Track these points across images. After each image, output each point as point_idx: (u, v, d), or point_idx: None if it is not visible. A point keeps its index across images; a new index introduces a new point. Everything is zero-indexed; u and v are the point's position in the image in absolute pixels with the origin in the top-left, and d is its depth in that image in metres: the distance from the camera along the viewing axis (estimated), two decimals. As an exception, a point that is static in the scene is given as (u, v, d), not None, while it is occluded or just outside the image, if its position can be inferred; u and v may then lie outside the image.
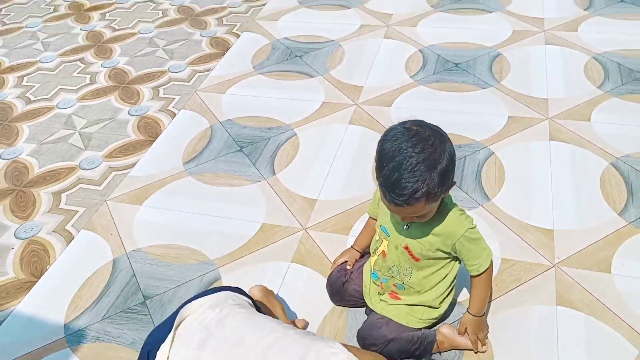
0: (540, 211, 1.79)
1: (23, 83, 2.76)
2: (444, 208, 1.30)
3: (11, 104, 2.60)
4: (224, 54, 2.87)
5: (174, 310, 1.24)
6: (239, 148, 2.20)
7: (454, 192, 1.83)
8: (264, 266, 1.70)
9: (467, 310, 1.39)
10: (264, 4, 3.38)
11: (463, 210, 1.33)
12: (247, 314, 1.20)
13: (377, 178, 1.19)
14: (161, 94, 2.59)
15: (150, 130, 2.31)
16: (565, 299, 1.52)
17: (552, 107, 2.24)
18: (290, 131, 2.26)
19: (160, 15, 3.39)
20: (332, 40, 2.88)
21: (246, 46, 2.92)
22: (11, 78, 2.81)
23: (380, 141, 1.19)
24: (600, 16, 2.88)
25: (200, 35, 3.10)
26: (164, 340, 1.15)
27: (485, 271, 1.33)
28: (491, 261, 1.34)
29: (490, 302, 1.52)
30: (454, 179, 1.22)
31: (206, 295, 1.24)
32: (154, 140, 2.28)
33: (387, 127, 1.22)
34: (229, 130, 2.31)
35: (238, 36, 3.04)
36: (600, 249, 1.65)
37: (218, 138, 2.27)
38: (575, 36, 2.71)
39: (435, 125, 1.20)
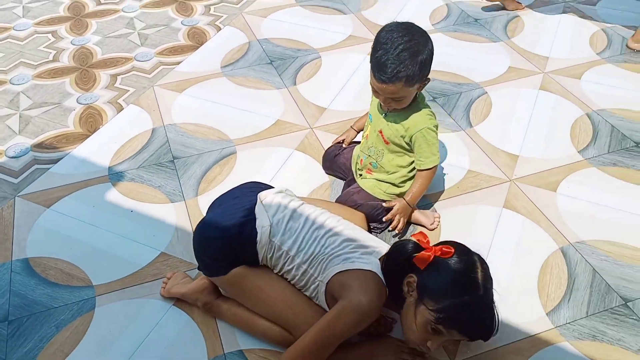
0: (512, 141, 2.08)
1: None
2: (417, 105, 1.61)
3: None
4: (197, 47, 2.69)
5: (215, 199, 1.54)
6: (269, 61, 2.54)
7: (441, 117, 2.16)
8: (272, 150, 2.06)
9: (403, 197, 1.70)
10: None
11: (432, 114, 1.63)
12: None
13: (370, 60, 1.50)
14: (117, 83, 2.46)
15: (91, 123, 2.22)
16: (511, 204, 1.82)
17: (551, 64, 2.50)
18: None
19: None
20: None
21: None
22: None
23: (378, 31, 1.50)
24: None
25: (181, 23, 2.90)
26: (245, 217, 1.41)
27: (426, 170, 1.63)
28: (435, 166, 1.63)
29: (441, 199, 1.85)
30: (429, 77, 1.53)
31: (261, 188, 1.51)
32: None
33: None
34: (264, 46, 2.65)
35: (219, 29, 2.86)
36: (553, 174, 1.94)
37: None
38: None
39: (423, 29, 1.50)
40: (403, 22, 1.50)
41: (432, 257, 1.22)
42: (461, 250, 1.24)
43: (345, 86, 2.39)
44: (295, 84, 2.41)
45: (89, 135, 2.19)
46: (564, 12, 2.90)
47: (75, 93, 2.43)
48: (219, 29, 2.82)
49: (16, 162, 2.09)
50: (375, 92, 1.56)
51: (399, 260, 1.27)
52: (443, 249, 1.22)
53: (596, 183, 1.90)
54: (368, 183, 1.74)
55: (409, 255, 1.25)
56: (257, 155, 2.04)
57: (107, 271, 1.66)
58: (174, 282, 1.57)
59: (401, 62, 1.44)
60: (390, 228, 1.70)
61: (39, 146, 2.15)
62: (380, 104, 1.64)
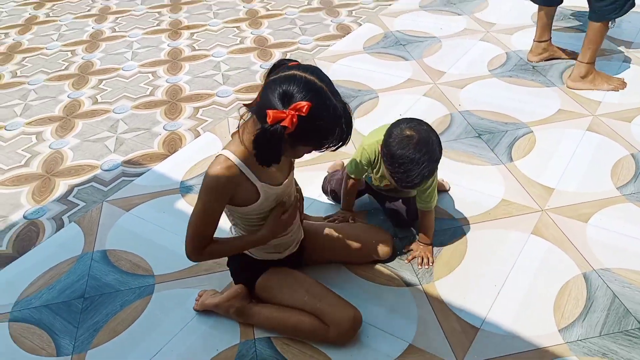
0: (550, 175, 2.15)
1: (100, 86, 3.21)
2: None
3: (81, 102, 3.05)
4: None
5: None
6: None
7: (483, 151, 2.29)
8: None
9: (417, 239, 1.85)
10: (390, 4, 3.97)
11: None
12: None
13: (392, 174, 1.59)
14: (199, 114, 2.80)
15: (172, 146, 2.52)
16: (540, 232, 1.89)
17: (602, 107, 2.55)
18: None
19: (305, 3, 4.15)
20: (434, 37, 3.39)
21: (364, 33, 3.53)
22: (93, 80, 3.27)
23: (387, 145, 1.57)
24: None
25: (259, 66, 3.21)
26: None
27: (426, 212, 1.78)
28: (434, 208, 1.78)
29: (471, 223, 1.95)
30: None
31: None
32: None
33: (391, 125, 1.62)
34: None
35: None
36: (587, 206, 1.98)
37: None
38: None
39: (424, 122, 1.60)
40: (408, 133, 1.55)
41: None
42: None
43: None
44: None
45: (169, 156, 2.54)
46: (625, 61, 2.94)
47: (163, 121, 2.82)
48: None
49: (108, 174, 2.47)
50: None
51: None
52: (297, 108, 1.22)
53: (631, 217, 1.92)
54: None
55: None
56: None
57: (167, 264, 1.93)
58: (206, 296, 1.76)
59: (424, 174, 1.54)
60: (421, 267, 1.82)
61: (128, 162, 2.53)
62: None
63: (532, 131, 2.43)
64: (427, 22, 3.59)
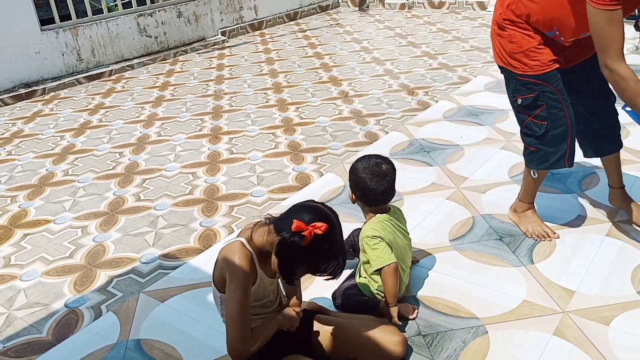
0: (571, 278, 2.21)
1: (144, 185, 3.45)
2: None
3: (125, 199, 3.29)
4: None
5: None
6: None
7: (505, 253, 2.37)
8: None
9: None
10: (416, 115, 4.25)
11: (381, 221, 2.05)
12: None
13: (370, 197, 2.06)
14: (233, 212, 2.99)
15: (207, 241, 2.86)
16: (562, 333, 1.92)
17: (621, 214, 2.62)
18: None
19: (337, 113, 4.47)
20: (457, 145, 3.59)
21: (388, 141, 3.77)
22: (138, 179, 3.53)
23: (360, 179, 2.05)
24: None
25: (292, 169, 3.43)
26: None
27: (381, 269, 1.97)
28: (386, 266, 1.95)
29: (494, 322, 2.00)
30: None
31: None
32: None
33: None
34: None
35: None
36: (608, 309, 2.02)
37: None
38: None
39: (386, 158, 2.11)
40: (378, 170, 2.05)
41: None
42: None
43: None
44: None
45: (203, 250, 2.69)
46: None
47: (200, 218, 3.01)
48: (322, 174, 3.36)
49: (146, 267, 2.62)
50: None
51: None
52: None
53: (653, 322, 1.94)
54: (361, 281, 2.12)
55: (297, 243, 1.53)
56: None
57: (197, 353, 2.01)
58: None
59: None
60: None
61: (165, 256, 2.69)
62: None
63: (556, 232, 2.51)
64: (450, 132, 3.82)
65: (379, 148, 3.65)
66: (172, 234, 2.89)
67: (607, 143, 2.46)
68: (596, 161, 3.13)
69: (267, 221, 1.66)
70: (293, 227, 1.51)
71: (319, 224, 1.52)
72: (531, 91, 2.24)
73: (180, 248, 2.75)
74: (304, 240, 1.51)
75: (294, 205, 1.64)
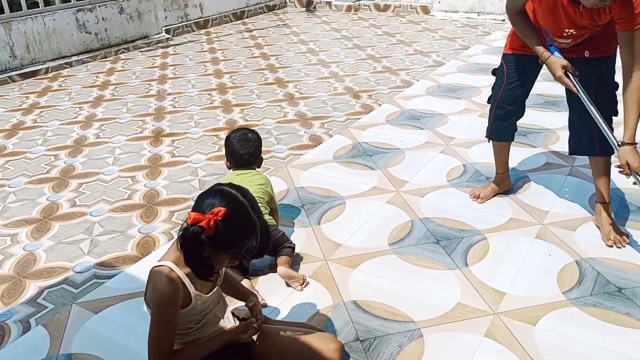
0: (502, 280, 2.29)
1: (80, 189, 3.32)
2: None
3: (59, 204, 3.15)
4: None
5: None
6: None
7: (441, 256, 2.44)
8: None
9: None
10: (359, 118, 4.30)
11: (233, 175, 2.56)
12: None
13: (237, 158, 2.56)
14: (174, 218, 2.94)
15: (145, 248, 2.65)
16: (492, 334, 2.00)
17: (549, 216, 2.75)
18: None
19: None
20: (399, 149, 3.66)
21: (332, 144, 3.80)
22: (74, 183, 3.37)
23: (230, 144, 2.56)
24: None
25: None
26: None
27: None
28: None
29: (429, 325, 2.05)
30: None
31: None
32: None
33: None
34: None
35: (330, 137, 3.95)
36: (536, 310, 2.11)
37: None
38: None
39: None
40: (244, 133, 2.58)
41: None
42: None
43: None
44: (319, 223, 2.80)
45: (141, 258, 2.62)
46: (570, 174, 3.20)
47: (138, 224, 2.94)
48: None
49: (80, 276, 2.53)
50: None
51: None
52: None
53: (575, 321, 2.05)
54: None
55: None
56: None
57: (132, 366, 1.96)
58: None
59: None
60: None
61: (101, 264, 2.61)
62: None
63: (486, 238, 2.60)
64: (392, 135, 3.88)
65: (322, 152, 3.68)
66: (108, 241, 2.81)
67: (580, 145, 2.60)
68: (528, 165, 3.28)
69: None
70: (189, 220, 1.42)
71: (216, 209, 1.42)
72: None
73: (117, 256, 2.67)
74: (206, 231, 1.41)
75: (198, 196, 1.54)
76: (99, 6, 6.50)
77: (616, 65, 2.44)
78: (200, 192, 1.56)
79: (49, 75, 5.91)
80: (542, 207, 2.85)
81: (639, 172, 2.12)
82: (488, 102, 2.84)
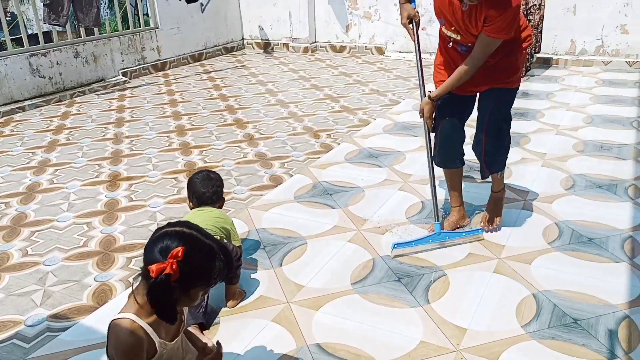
0: (463, 316, 2.33)
1: (32, 238, 3.21)
2: None
3: (10, 254, 3.04)
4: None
5: None
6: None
7: (403, 294, 2.45)
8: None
9: None
10: (319, 157, 4.35)
11: (194, 213, 2.56)
12: None
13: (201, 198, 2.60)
14: (131, 264, 2.89)
15: (101, 297, 2.56)
16: (455, 372, 2.01)
17: (506, 250, 2.82)
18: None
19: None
20: (358, 187, 3.71)
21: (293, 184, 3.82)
22: (25, 231, 3.39)
23: (194, 184, 2.63)
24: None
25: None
26: None
27: None
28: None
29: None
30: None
31: None
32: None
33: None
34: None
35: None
36: (497, 345, 2.14)
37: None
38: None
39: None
40: (208, 175, 2.67)
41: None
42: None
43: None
44: (281, 265, 2.78)
45: (98, 308, 2.54)
46: (524, 208, 3.31)
47: (94, 272, 2.85)
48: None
49: (32, 330, 2.42)
50: None
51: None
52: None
53: (534, 354, 2.09)
54: None
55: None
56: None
57: None
58: None
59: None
60: None
61: (54, 316, 2.51)
62: None
63: (446, 274, 2.64)
64: (351, 174, 3.94)
65: (283, 192, 3.69)
66: (62, 291, 2.71)
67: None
68: (483, 200, 3.38)
69: (139, 277, 1.54)
70: (152, 273, 1.41)
71: (174, 251, 1.42)
72: None
73: (72, 307, 2.57)
74: (172, 276, 1.41)
75: (146, 244, 1.53)
76: (53, 50, 6.43)
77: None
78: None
79: (1, 120, 5.76)
80: (499, 241, 2.93)
81: (428, 122, 2.85)
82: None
